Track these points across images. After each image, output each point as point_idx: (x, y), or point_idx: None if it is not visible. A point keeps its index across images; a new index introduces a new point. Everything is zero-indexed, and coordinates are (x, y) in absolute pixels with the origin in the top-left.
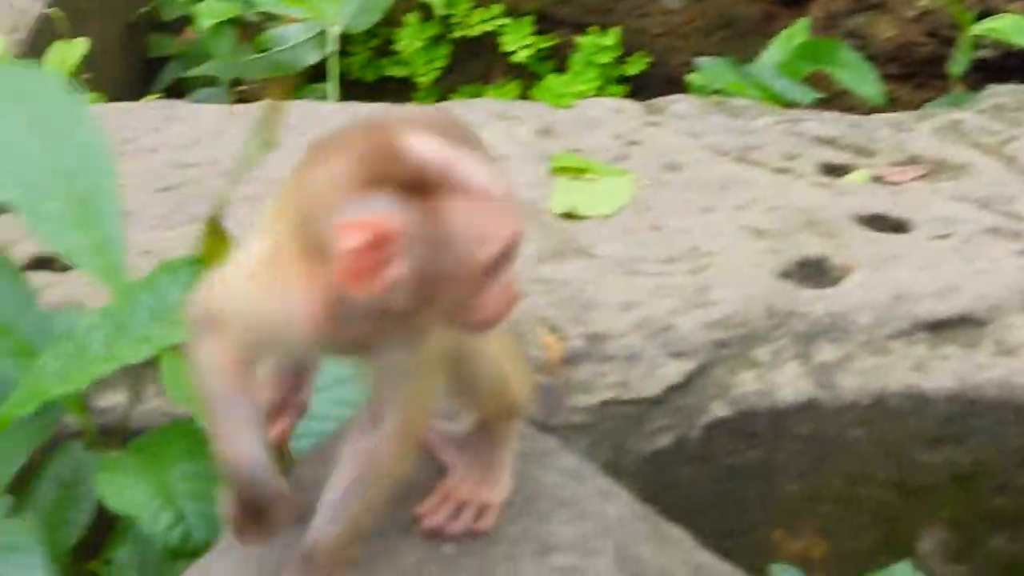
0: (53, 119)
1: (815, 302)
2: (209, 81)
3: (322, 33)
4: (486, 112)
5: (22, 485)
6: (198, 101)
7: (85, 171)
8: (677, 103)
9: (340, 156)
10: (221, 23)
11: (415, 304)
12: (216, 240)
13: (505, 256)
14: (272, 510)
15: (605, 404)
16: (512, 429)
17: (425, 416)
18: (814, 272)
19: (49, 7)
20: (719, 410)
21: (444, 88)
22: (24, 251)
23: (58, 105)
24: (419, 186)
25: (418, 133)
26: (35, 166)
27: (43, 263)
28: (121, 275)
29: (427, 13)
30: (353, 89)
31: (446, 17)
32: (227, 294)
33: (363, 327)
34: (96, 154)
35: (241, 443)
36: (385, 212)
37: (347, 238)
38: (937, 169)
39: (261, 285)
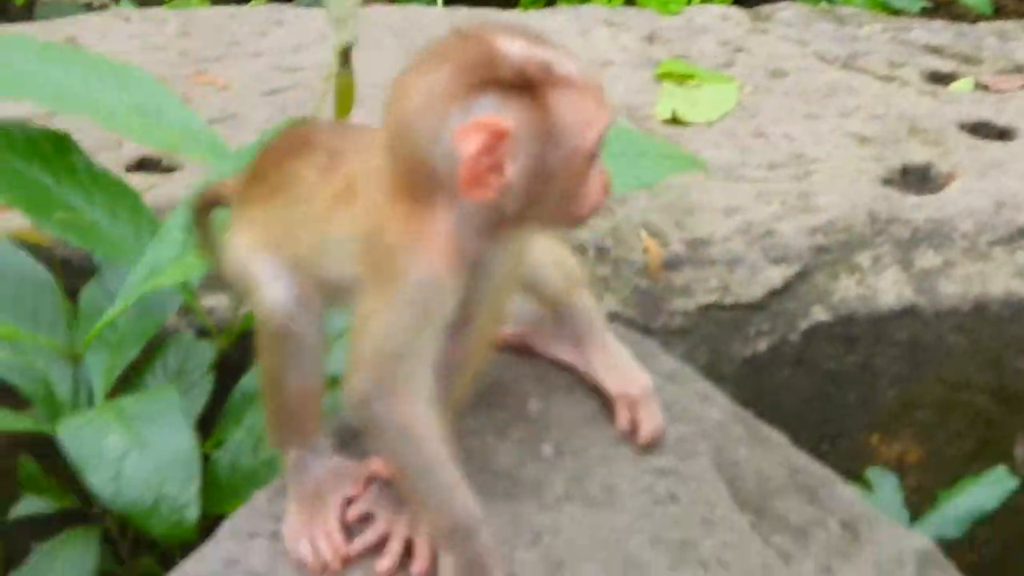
0: (99, 69)
1: (917, 209)
2: None
3: None
4: (593, 19)
5: (137, 374)
6: (304, 5)
7: (137, 93)
8: (784, 10)
9: (435, 72)
10: None
11: (527, 204)
12: (345, 82)
13: (602, 142)
14: (493, 565)
15: (705, 308)
16: (587, 298)
17: (504, 314)
18: (917, 179)
19: None
20: (819, 315)
21: None
22: (126, 154)
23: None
24: (521, 85)
25: (508, 37)
26: (99, 96)
27: (146, 164)
28: (222, 148)
29: None
30: None
31: None
32: (383, 339)
33: (481, 244)
34: (143, 82)
35: (464, 504)
36: (495, 111)
37: (466, 143)
38: None
39: (401, 286)
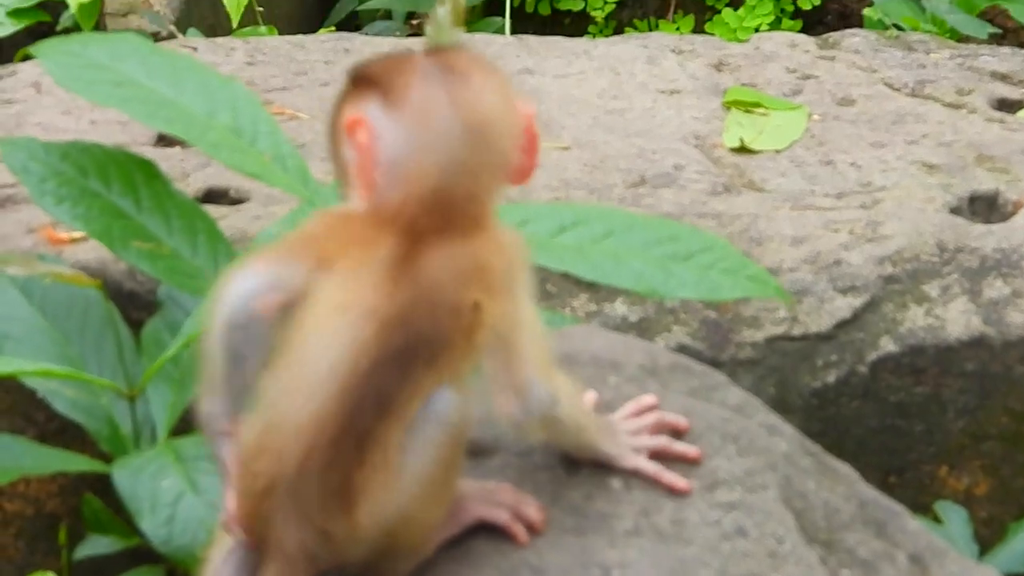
0: (198, 79)
1: (986, 237)
2: (385, 15)
3: None
4: (660, 46)
5: None
6: (373, 34)
7: (236, 111)
8: (851, 37)
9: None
10: None
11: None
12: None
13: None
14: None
15: (773, 339)
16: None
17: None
18: (985, 207)
19: None
20: (887, 346)
21: (619, 23)
22: (193, 185)
23: (199, 70)
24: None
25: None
26: (195, 110)
27: (213, 196)
28: (310, 179)
29: None
30: (528, 23)
31: None
32: (541, 338)
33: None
34: (243, 99)
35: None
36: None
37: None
38: None
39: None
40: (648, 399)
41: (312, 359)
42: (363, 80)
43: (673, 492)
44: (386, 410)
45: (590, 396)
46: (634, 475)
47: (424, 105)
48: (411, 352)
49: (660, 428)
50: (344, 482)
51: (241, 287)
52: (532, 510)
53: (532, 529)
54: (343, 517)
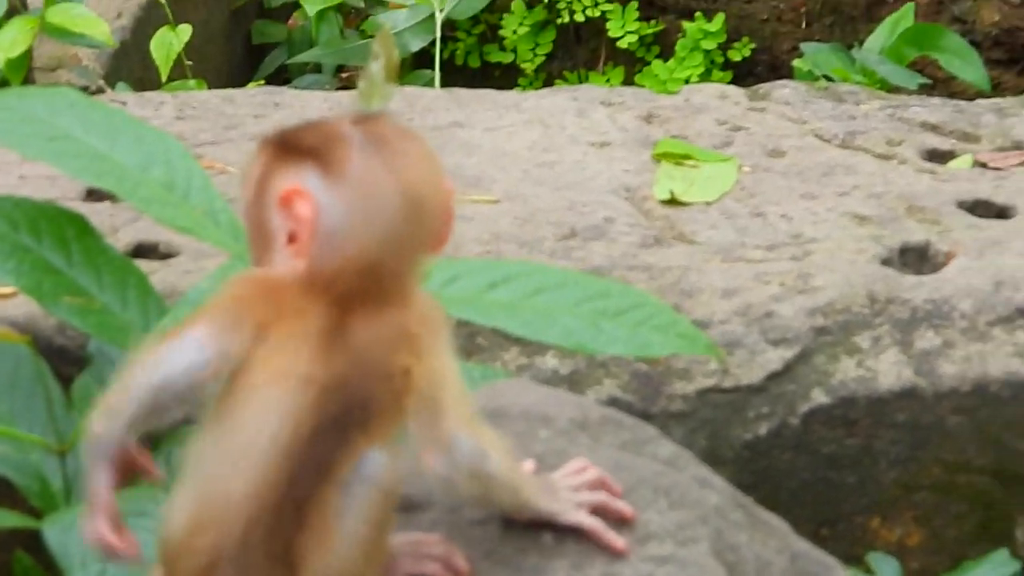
0: (133, 133)
1: (916, 288)
2: (314, 68)
3: (428, 19)
4: (591, 98)
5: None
6: (302, 88)
7: (169, 165)
8: (782, 89)
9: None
10: (326, 9)
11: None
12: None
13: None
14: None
15: (704, 392)
16: None
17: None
18: (916, 258)
19: None
20: (819, 397)
21: (549, 74)
22: (122, 239)
23: (134, 125)
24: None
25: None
26: (128, 164)
27: (143, 251)
28: (241, 234)
29: None
30: (458, 75)
31: (552, 3)
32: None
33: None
34: (176, 153)
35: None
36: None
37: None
38: None
39: None
40: (582, 462)
41: (250, 428)
42: (293, 149)
43: (611, 551)
44: (325, 475)
45: (528, 464)
46: (574, 530)
47: (366, 178)
48: (347, 417)
49: (598, 486)
50: (287, 549)
51: (185, 356)
52: (460, 561)
53: None
54: None
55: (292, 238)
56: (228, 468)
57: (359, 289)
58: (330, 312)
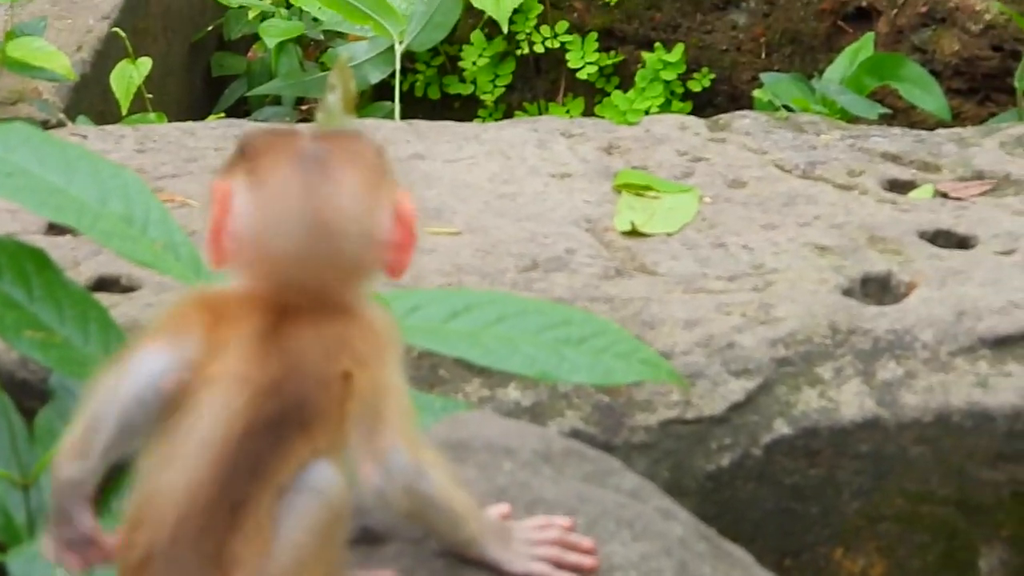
0: (89, 167)
1: (878, 319)
2: (274, 100)
3: (387, 51)
4: (551, 129)
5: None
6: (262, 120)
7: (127, 199)
8: (742, 119)
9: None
10: (285, 42)
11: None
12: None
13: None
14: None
15: (667, 423)
16: None
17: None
18: (878, 289)
19: (113, 27)
20: (781, 428)
21: (509, 105)
22: (84, 273)
23: (90, 159)
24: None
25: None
26: (86, 199)
27: (105, 284)
28: (202, 267)
29: (492, 30)
30: (418, 107)
31: (511, 34)
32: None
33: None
34: (134, 186)
35: (481, 509)
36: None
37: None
38: (1002, 184)
39: None
40: (562, 521)
41: (186, 429)
42: (245, 150)
43: None
44: (259, 476)
45: (499, 509)
46: None
47: (277, 191)
48: (283, 418)
49: (560, 544)
50: (218, 551)
51: (147, 367)
52: None
53: None
54: None
55: (209, 233)
56: (166, 466)
57: (287, 300)
58: (267, 319)
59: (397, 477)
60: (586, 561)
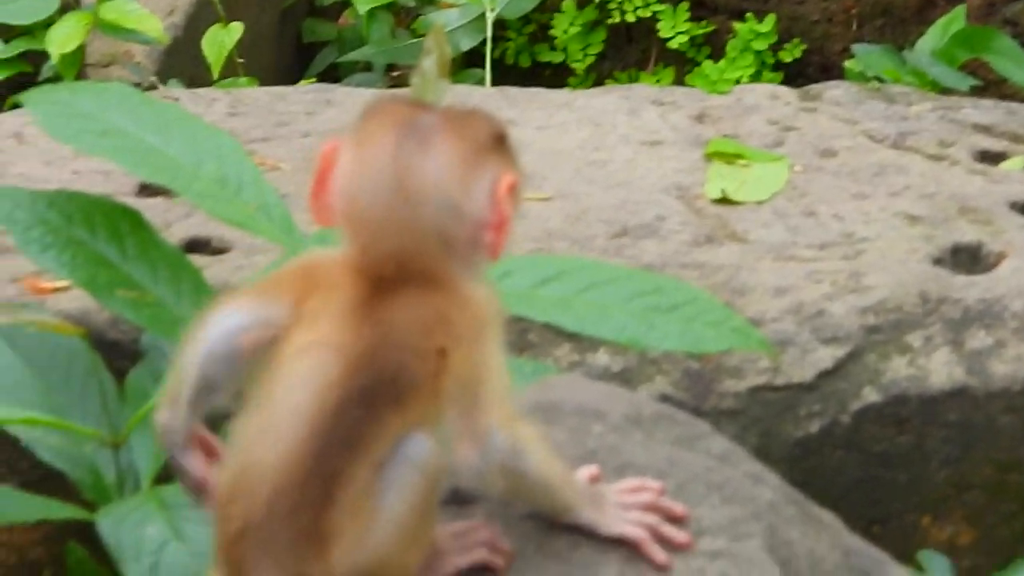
0: (185, 129)
1: (968, 288)
2: (365, 66)
3: (479, 18)
4: (642, 98)
5: None
6: (353, 86)
7: (222, 161)
8: (833, 89)
9: None
10: (377, 8)
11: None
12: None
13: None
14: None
15: (756, 390)
16: None
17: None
18: (968, 258)
19: None
20: (870, 396)
21: (599, 74)
22: (175, 235)
23: (186, 120)
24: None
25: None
26: (181, 160)
27: (196, 246)
28: (293, 229)
29: None
30: (508, 75)
31: (603, 3)
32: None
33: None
34: (229, 148)
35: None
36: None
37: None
38: None
39: None
40: (653, 484)
41: (280, 400)
42: (363, 113)
43: (653, 565)
44: (353, 449)
45: (588, 470)
46: (618, 542)
47: (373, 154)
48: (377, 390)
49: (653, 509)
50: (314, 524)
51: (227, 321)
52: (505, 544)
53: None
54: (316, 560)
55: (311, 190)
56: (259, 438)
57: (382, 268)
58: (364, 289)
59: (495, 458)
60: (679, 536)
